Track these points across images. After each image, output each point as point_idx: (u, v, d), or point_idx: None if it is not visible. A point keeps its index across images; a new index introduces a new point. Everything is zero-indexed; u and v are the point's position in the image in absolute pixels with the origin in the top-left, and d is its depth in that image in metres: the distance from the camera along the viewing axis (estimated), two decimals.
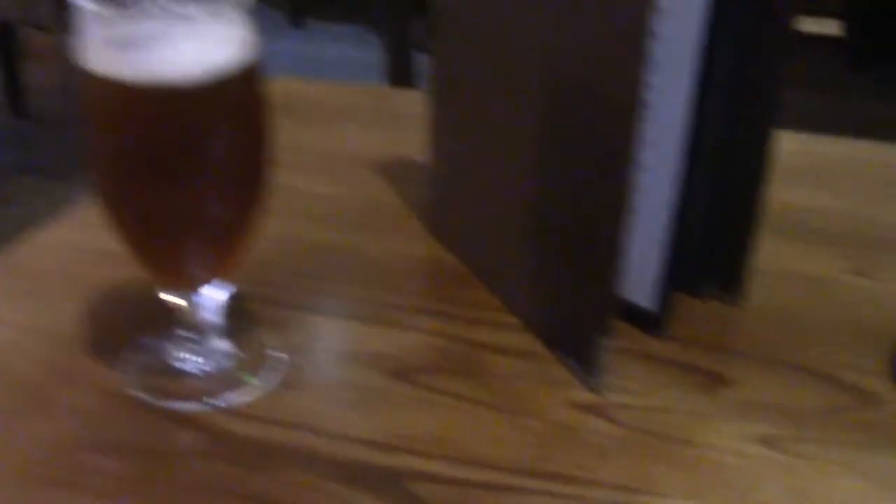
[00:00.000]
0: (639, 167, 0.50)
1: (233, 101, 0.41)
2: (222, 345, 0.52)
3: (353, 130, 0.85)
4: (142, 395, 0.49)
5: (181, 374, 0.51)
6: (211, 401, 0.48)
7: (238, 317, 0.56)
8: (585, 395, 0.50)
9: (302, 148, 0.81)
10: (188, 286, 0.48)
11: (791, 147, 0.82)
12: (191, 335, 0.50)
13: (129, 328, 0.54)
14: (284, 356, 0.52)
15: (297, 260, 0.63)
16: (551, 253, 0.52)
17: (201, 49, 0.38)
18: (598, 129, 0.46)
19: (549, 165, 0.51)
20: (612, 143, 0.45)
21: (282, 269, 0.62)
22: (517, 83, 0.52)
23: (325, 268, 0.62)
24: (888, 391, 0.50)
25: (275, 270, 0.61)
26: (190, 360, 0.51)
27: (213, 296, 0.49)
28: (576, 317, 0.51)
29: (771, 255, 0.62)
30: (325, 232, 0.66)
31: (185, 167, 0.40)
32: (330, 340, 0.55)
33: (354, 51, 2.25)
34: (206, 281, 0.48)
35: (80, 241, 0.63)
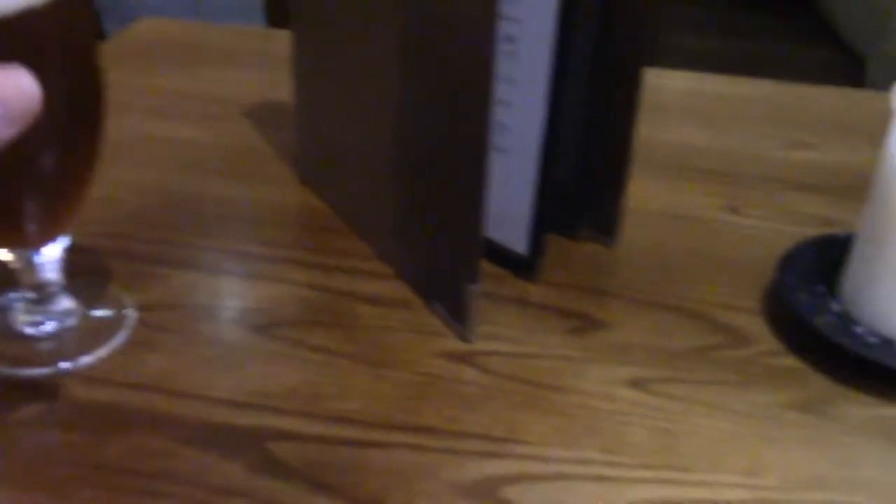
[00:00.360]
0: (505, 106, 0.49)
1: (47, 36, 0.37)
2: (69, 304, 0.48)
3: (224, 73, 0.81)
4: None
5: (24, 337, 0.47)
6: (56, 365, 0.45)
7: (90, 273, 0.52)
8: (456, 344, 0.48)
9: (167, 91, 0.77)
10: (21, 244, 0.44)
11: (672, 85, 0.82)
12: (33, 295, 0.47)
13: None
14: (137, 314, 0.49)
15: (156, 211, 0.59)
16: (417, 198, 0.50)
17: None
18: (455, 65, 0.44)
19: (409, 105, 0.48)
20: (469, 79, 0.43)
21: (140, 220, 0.58)
22: (375, 19, 0.49)
23: (186, 219, 0.59)
24: (759, 329, 0.50)
25: (132, 222, 0.58)
26: (33, 323, 0.47)
27: (52, 252, 0.45)
28: (444, 264, 0.49)
29: (647, 194, 0.62)
30: (187, 181, 0.63)
31: None
32: (189, 295, 0.51)
33: None
34: (41, 237, 0.44)
35: None
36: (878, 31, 2.71)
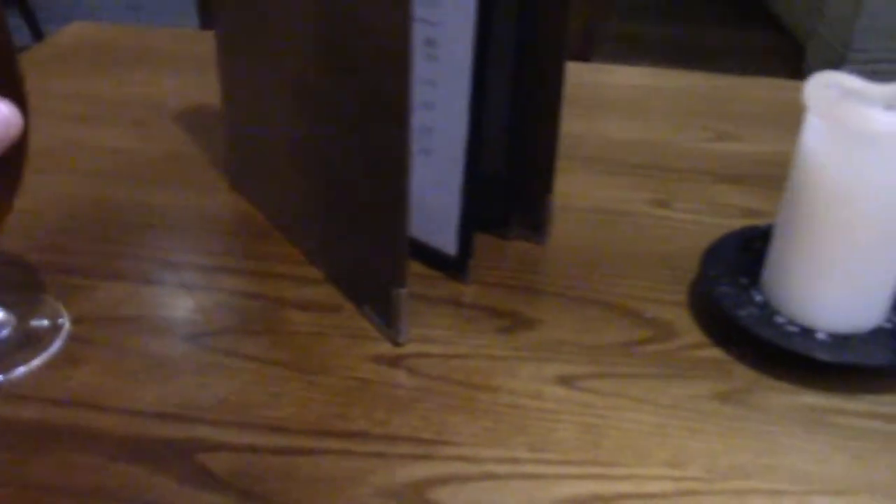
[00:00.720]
0: (429, 108, 0.49)
1: None
2: (0, 316, 0.48)
3: (156, 76, 0.80)
4: None
5: None
6: None
7: (21, 285, 0.52)
8: (388, 348, 0.48)
9: (97, 97, 0.76)
10: None
11: (601, 79, 0.83)
12: None
13: None
14: (67, 327, 0.49)
15: (85, 221, 0.59)
16: (342, 202, 0.50)
17: None
18: (372, 69, 0.44)
19: (329, 110, 0.49)
20: (387, 83, 0.43)
21: (68, 231, 0.57)
22: (292, 22, 0.49)
23: (115, 228, 0.58)
24: (685, 322, 0.51)
25: (60, 233, 0.57)
26: None
27: None
28: (372, 268, 0.49)
29: (577, 190, 0.63)
30: (116, 189, 0.62)
31: None
32: (118, 307, 0.51)
33: None
34: None
35: None
36: (815, 17, 2.76)
